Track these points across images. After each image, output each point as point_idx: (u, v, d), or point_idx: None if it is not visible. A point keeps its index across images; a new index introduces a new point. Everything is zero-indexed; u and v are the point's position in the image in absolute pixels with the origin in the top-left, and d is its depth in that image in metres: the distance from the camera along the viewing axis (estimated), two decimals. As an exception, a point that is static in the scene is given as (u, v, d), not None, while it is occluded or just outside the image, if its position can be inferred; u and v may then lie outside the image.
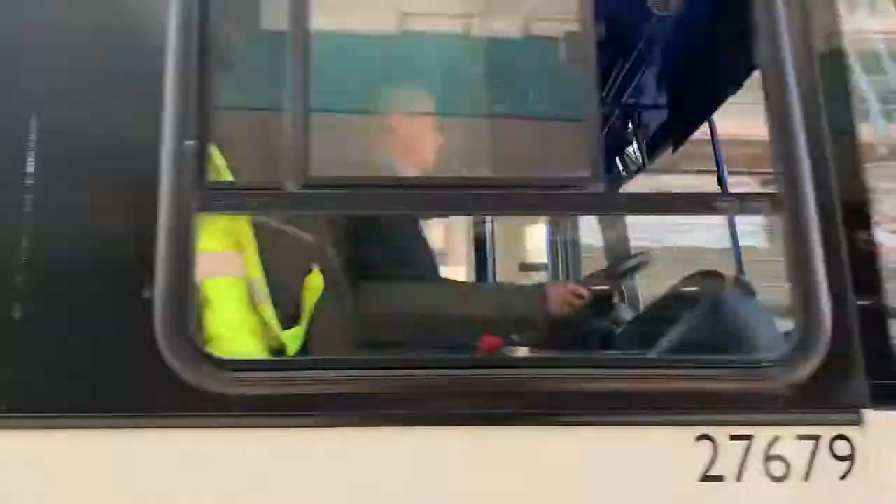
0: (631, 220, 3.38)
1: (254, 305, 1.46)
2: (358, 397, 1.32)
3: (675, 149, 2.86)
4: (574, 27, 1.42)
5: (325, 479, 1.29)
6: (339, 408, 1.31)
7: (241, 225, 1.49)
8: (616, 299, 2.53)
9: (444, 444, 1.31)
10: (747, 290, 2.04)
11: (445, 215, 2.70)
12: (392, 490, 1.29)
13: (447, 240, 5.38)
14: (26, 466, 1.27)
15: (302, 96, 1.38)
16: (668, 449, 1.33)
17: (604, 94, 2.71)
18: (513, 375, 1.36)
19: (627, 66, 2.62)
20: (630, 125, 3.13)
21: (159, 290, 1.30)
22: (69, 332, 1.31)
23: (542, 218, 3.93)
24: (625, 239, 3.42)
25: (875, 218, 1.39)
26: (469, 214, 1.78)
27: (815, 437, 1.31)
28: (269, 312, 1.47)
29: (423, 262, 2.08)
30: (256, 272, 1.48)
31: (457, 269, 4.29)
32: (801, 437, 1.31)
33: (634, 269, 2.51)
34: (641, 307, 3.08)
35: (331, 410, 1.31)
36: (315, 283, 1.59)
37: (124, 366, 1.31)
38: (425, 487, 1.30)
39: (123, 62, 1.40)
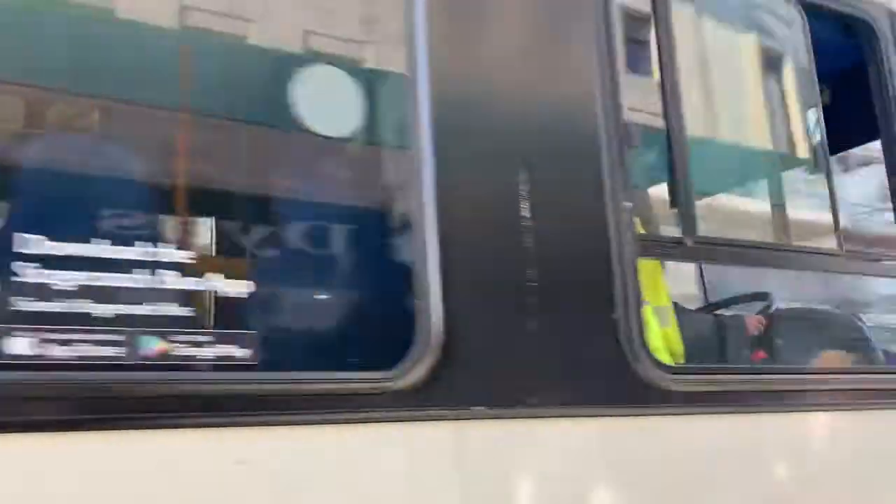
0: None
1: (660, 325, 1.95)
2: (764, 392, 1.89)
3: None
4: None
5: (733, 455, 1.84)
6: (748, 400, 1.87)
7: (652, 265, 1.99)
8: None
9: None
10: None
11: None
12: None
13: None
14: (543, 447, 1.67)
15: (689, 178, 1.95)
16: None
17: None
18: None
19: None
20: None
21: (621, 313, 1.77)
22: (565, 342, 1.73)
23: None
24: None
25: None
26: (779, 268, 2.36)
27: None
28: (675, 332, 1.97)
29: None
30: (665, 301, 1.98)
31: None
32: None
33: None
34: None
35: (745, 402, 1.86)
36: None
37: (600, 369, 1.76)
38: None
39: (574, 139, 1.85)
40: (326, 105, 1.69)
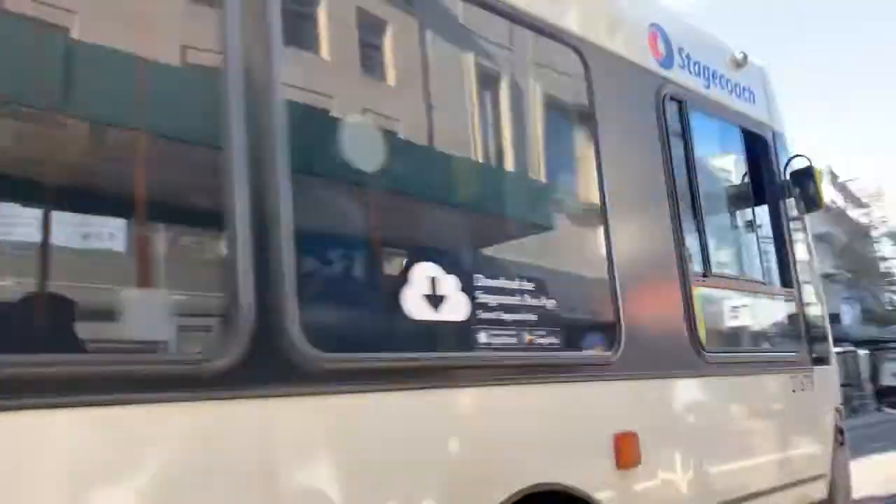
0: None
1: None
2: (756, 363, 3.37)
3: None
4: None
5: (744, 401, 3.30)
6: (738, 365, 3.34)
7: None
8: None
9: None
10: None
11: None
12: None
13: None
14: (672, 391, 2.97)
15: (707, 240, 3.38)
16: None
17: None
18: None
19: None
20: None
21: (691, 315, 3.13)
22: (672, 333, 3.06)
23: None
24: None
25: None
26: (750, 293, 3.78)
27: None
28: (702, 326, 3.33)
29: None
30: (699, 309, 3.34)
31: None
32: None
33: None
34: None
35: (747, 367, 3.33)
36: None
37: (684, 349, 3.11)
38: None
39: (662, 219, 3.17)
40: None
